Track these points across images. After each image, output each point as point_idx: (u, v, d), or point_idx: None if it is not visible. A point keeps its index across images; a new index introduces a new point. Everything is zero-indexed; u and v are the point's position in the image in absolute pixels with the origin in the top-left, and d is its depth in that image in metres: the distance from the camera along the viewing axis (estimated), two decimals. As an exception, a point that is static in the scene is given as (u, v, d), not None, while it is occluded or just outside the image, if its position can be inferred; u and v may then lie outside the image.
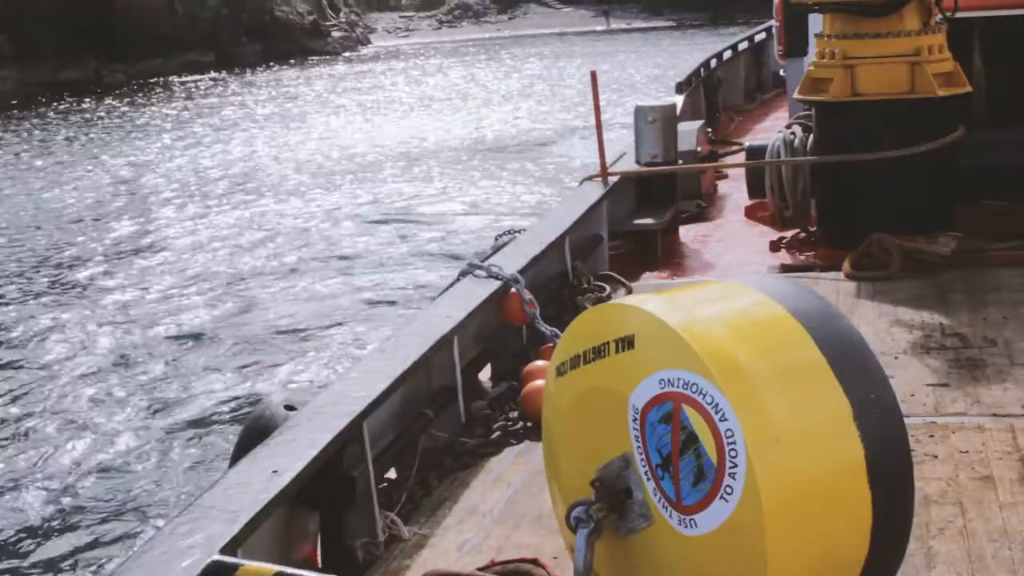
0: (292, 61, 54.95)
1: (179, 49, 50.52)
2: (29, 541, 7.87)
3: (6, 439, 9.71)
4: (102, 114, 37.79)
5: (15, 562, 7.59)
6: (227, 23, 53.42)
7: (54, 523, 8.09)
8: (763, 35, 15.20)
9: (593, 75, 7.54)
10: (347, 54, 59.98)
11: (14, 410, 10.37)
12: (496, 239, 7.38)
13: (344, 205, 19.64)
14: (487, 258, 5.94)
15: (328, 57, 57.99)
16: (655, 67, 41.22)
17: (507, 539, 3.83)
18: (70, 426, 9.96)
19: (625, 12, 76.33)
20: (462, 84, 41.10)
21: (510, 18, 79.50)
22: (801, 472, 2.58)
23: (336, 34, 62.22)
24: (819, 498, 2.60)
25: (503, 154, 23.88)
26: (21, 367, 11.53)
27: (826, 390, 2.67)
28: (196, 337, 12.39)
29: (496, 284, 5.40)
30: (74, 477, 8.83)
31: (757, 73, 15.21)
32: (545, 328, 5.43)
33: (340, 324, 12.48)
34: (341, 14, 66.16)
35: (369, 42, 66.63)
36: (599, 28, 71.54)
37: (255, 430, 3.98)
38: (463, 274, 5.70)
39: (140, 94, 43.50)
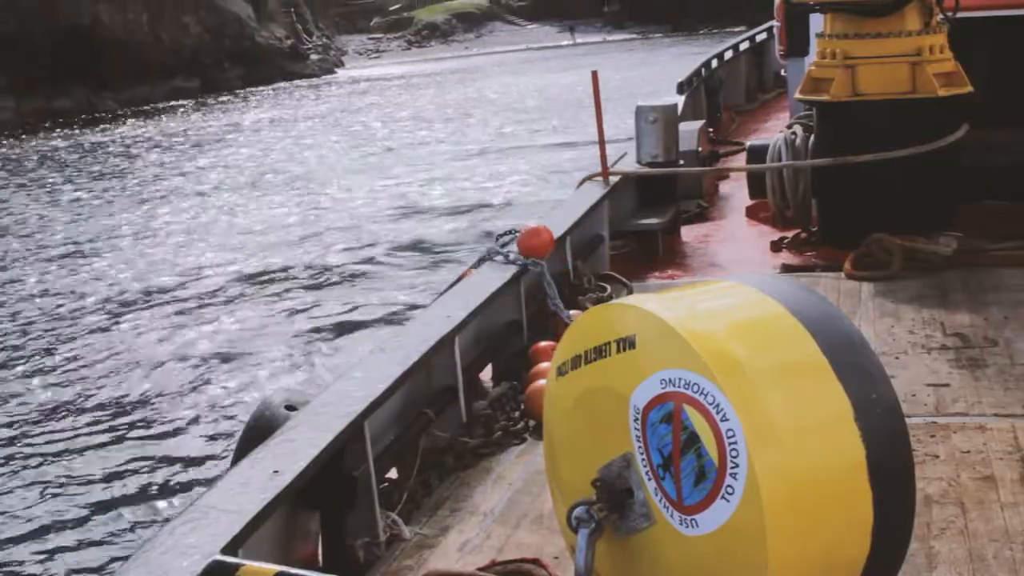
0: (275, 86, 54.93)
1: (165, 76, 51.40)
2: (30, 542, 7.87)
3: (5, 440, 9.72)
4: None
5: (16, 562, 7.59)
6: (209, 49, 54.15)
7: (55, 524, 8.09)
8: (764, 35, 15.19)
9: (594, 75, 7.53)
10: (327, 77, 59.94)
11: (12, 416, 10.39)
12: (497, 239, 7.38)
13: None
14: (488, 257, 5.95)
15: (308, 80, 57.85)
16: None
17: (508, 539, 3.82)
18: (70, 426, 9.97)
19: (589, 27, 76.97)
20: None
21: (477, 36, 79.77)
22: (802, 472, 2.58)
23: (314, 57, 63.08)
24: (820, 498, 2.60)
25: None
26: (22, 385, 11.53)
27: (827, 390, 2.67)
28: (196, 336, 12.40)
29: (498, 283, 5.42)
30: (74, 477, 8.83)
31: (758, 73, 15.20)
32: (562, 311, 5.58)
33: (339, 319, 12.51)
34: (314, 37, 66.87)
35: (343, 64, 66.98)
36: (565, 43, 71.93)
37: (256, 430, 3.97)
38: (481, 261, 5.76)
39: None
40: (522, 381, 5.12)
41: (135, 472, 8.83)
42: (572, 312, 5.71)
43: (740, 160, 9.43)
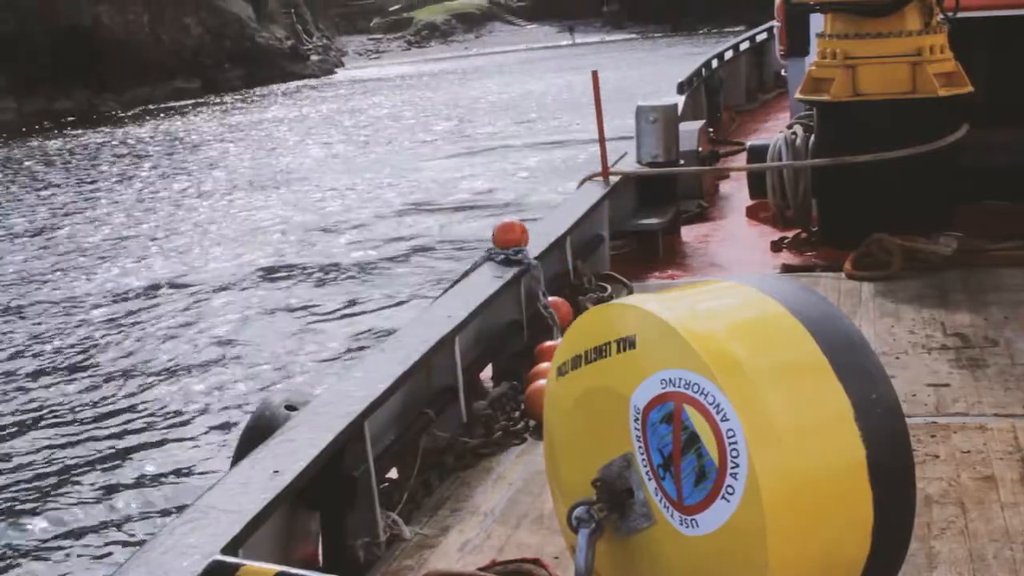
0: (276, 86, 54.85)
1: (165, 76, 51.61)
2: (30, 542, 7.87)
3: (6, 442, 9.72)
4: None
5: (16, 563, 7.59)
6: (210, 50, 54.33)
7: (55, 524, 8.09)
8: (764, 35, 15.19)
9: (594, 75, 7.53)
10: (327, 78, 59.85)
11: (12, 417, 10.39)
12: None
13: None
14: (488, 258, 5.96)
15: (308, 81, 57.78)
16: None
17: (508, 539, 3.82)
18: (69, 426, 9.97)
19: (588, 27, 77.12)
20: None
21: (477, 37, 79.85)
22: (802, 472, 2.58)
23: (314, 58, 63.31)
24: (820, 498, 2.60)
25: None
26: (25, 385, 11.53)
27: (827, 390, 2.67)
28: (196, 335, 12.40)
29: (498, 283, 5.42)
30: (74, 477, 8.83)
31: (758, 73, 15.19)
32: (543, 296, 5.61)
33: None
34: (314, 37, 66.99)
35: (343, 65, 67.05)
36: (564, 43, 72.10)
37: (256, 430, 3.97)
38: (481, 261, 5.78)
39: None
40: (522, 381, 5.12)
41: (135, 472, 8.83)
42: (551, 299, 5.73)
43: (740, 160, 9.44)
